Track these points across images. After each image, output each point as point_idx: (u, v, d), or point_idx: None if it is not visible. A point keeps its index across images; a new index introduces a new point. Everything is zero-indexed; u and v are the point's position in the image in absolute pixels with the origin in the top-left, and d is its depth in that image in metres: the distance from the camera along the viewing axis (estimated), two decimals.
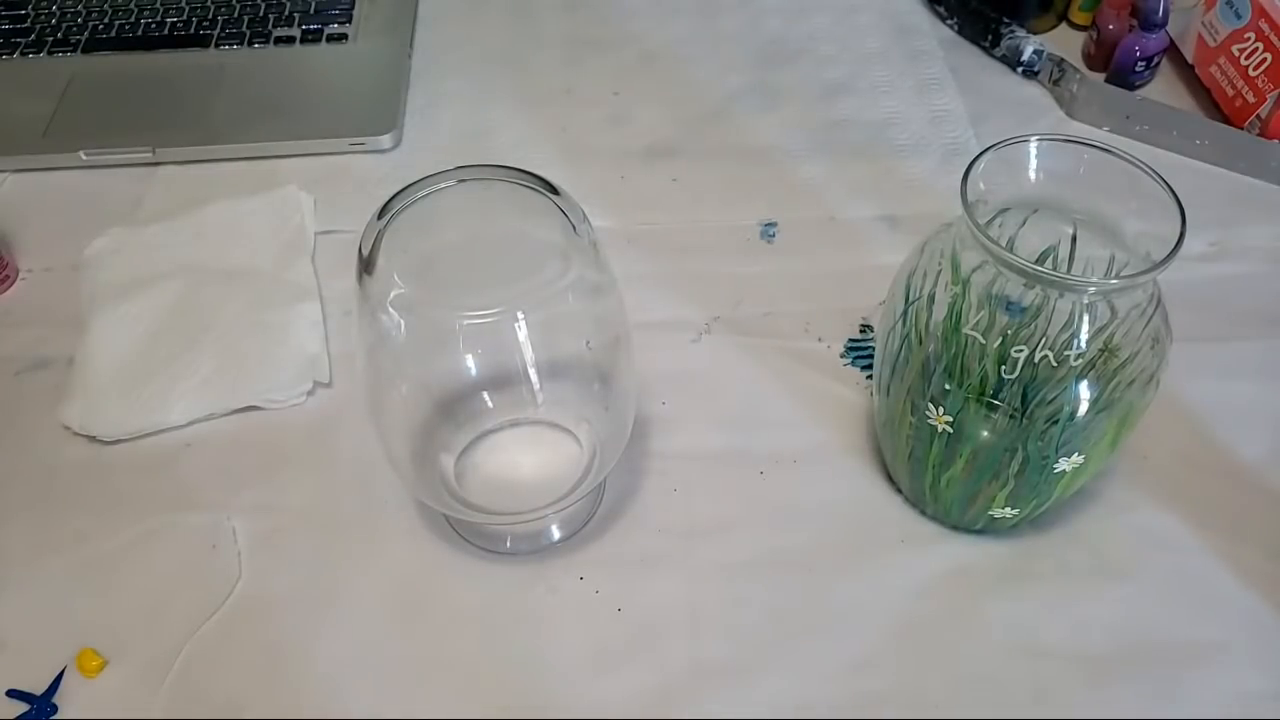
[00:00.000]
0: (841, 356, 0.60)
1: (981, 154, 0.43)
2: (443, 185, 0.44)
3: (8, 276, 0.65)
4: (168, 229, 0.66)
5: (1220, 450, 0.55)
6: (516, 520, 0.51)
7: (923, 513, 0.53)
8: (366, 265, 0.42)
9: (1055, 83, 0.75)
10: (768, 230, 0.67)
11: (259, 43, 0.78)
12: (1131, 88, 0.75)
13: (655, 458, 0.56)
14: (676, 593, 0.51)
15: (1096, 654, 0.48)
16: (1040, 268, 0.40)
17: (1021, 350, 0.42)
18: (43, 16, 0.81)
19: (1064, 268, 0.45)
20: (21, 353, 0.61)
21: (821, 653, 0.49)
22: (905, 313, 0.46)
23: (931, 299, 0.45)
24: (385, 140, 0.72)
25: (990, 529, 0.52)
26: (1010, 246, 0.44)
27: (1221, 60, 0.71)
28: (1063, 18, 0.81)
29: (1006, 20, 0.77)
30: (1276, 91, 0.67)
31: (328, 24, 0.79)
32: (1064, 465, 0.45)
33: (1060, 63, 0.74)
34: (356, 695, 0.48)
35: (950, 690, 0.48)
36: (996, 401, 0.44)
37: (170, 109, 0.74)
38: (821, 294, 0.63)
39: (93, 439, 0.57)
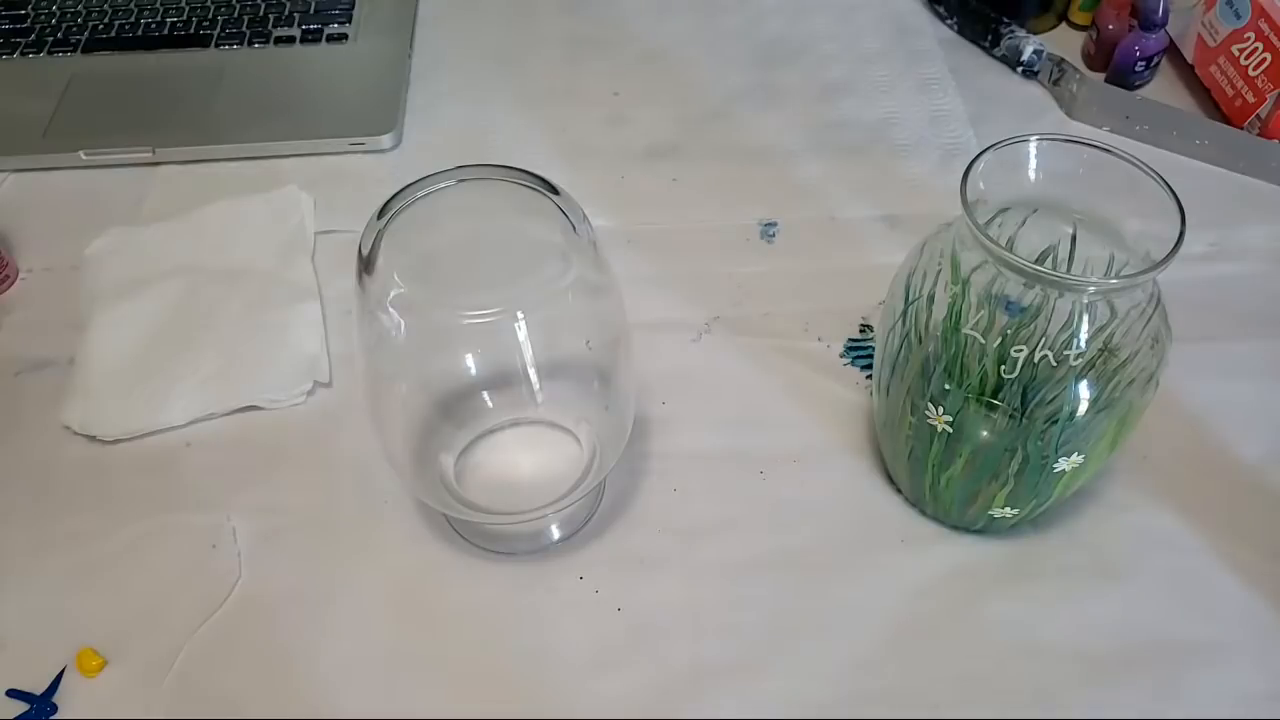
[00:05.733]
0: (841, 356, 0.60)
1: (981, 154, 0.43)
2: (442, 185, 0.44)
3: (8, 276, 0.65)
4: (168, 229, 0.66)
5: (1220, 450, 0.55)
6: (516, 520, 0.51)
7: (923, 513, 0.53)
8: (366, 265, 0.42)
9: (1055, 83, 0.75)
10: (768, 230, 0.67)
11: (259, 43, 0.78)
12: (1131, 88, 0.75)
13: (655, 458, 0.56)
14: (676, 593, 0.51)
15: (1096, 654, 0.48)
16: (1040, 268, 0.40)
17: (1021, 350, 0.42)
18: (43, 16, 0.81)
19: (1064, 268, 0.45)
20: (21, 353, 0.61)
21: (821, 653, 0.49)
22: (905, 312, 0.46)
23: (931, 299, 0.45)
24: (385, 140, 0.72)
25: (990, 529, 0.52)
26: (1010, 246, 0.45)
27: (1221, 60, 0.71)
28: (1063, 18, 0.81)
29: (1006, 20, 0.77)
30: (1276, 91, 0.67)
31: (328, 24, 0.79)
32: (1064, 465, 0.45)
33: (1060, 63, 0.74)
34: (356, 695, 0.48)
35: (950, 690, 0.48)
36: (996, 401, 0.44)
37: (170, 109, 0.74)
38: (821, 294, 0.63)
39: (93, 439, 0.57)
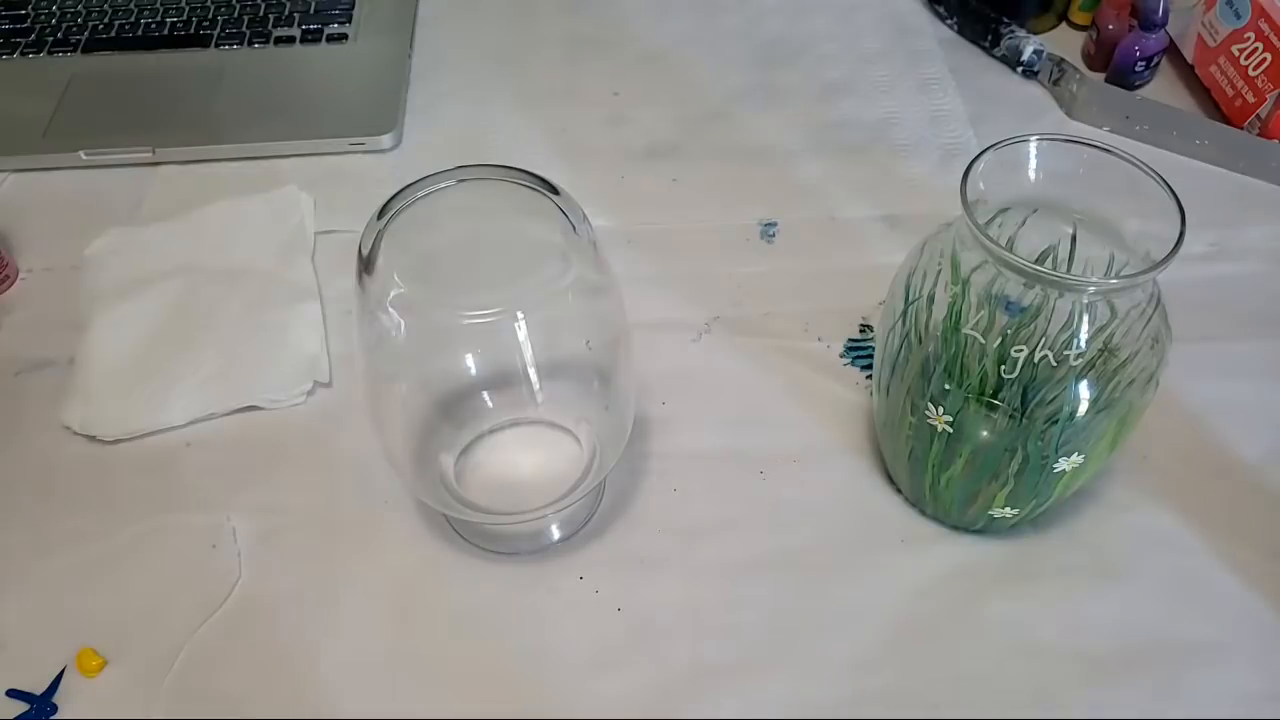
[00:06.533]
0: (841, 356, 0.60)
1: (981, 154, 0.43)
2: (442, 185, 0.44)
3: (8, 276, 0.65)
4: (168, 229, 0.66)
5: (1220, 450, 0.55)
6: (516, 520, 0.51)
7: (923, 513, 0.53)
8: (366, 265, 0.42)
9: (1055, 83, 0.75)
10: (768, 230, 0.67)
11: (259, 43, 0.78)
12: (1131, 88, 0.75)
13: (655, 458, 0.56)
14: (676, 593, 0.51)
15: (1096, 654, 0.48)
16: (1040, 268, 0.40)
17: (1021, 350, 0.42)
18: (43, 16, 0.81)
19: (1064, 268, 0.45)
20: (21, 353, 0.61)
21: (822, 653, 0.49)
22: (905, 312, 0.46)
23: (931, 299, 0.45)
24: (385, 140, 0.72)
25: (990, 529, 0.52)
26: (1010, 246, 0.45)
27: (1221, 60, 0.71)
28: (1063, 18, 0.81)
29: (1006, 20, 0.77)
30: (1276, 91, 0.67)
31: (328, 24, 0.79)
32: (1064, 465, 0.45)
33: (1060, 63, 0.74)
34: (356, 695, 0.48)
35: (950, 690, 0.48)
36: (996, 401, 0.44)
37: (170, 109, 0.74)
38: (821, 294, 0.63)
39: (93, 439, 0.57)
